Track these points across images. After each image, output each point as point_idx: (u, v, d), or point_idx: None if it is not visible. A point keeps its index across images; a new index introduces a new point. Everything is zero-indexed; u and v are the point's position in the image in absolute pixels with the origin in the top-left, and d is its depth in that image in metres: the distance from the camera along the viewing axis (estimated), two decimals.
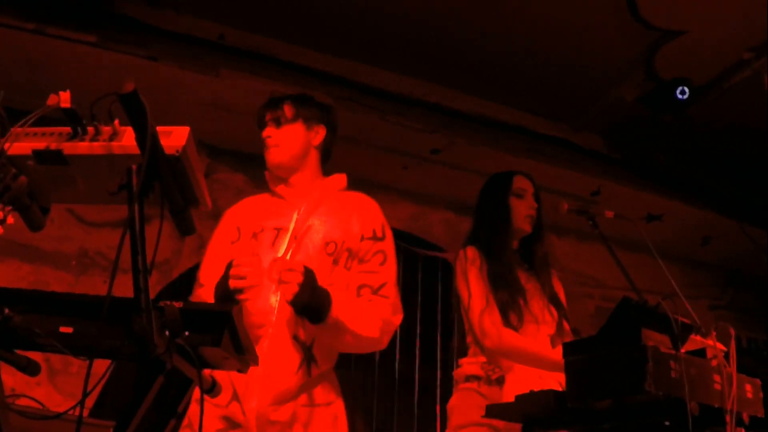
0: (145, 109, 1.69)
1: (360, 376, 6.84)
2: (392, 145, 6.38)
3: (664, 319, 2.73)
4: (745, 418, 2.78)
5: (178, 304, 1.73)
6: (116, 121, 1.83)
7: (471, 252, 3.87)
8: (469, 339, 3.82)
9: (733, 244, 7.73)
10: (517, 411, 3.02)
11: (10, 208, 1.78)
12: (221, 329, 1.77)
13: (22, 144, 1.82)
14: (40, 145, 1.82)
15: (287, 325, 2.95)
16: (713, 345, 2.86)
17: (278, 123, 3.22)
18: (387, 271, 3.16)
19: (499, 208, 3.95)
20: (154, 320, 1.64)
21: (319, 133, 3.32)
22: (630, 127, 6.62)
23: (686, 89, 5.92)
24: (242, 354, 1.86)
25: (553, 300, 3.89)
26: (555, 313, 3.84)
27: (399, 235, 7.06)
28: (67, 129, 1.84)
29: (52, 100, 1.81)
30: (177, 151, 1.78)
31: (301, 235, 3.07)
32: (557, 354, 3.39)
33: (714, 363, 2.79)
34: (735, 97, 5.96)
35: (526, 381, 3.45)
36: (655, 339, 2.63)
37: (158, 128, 1.76)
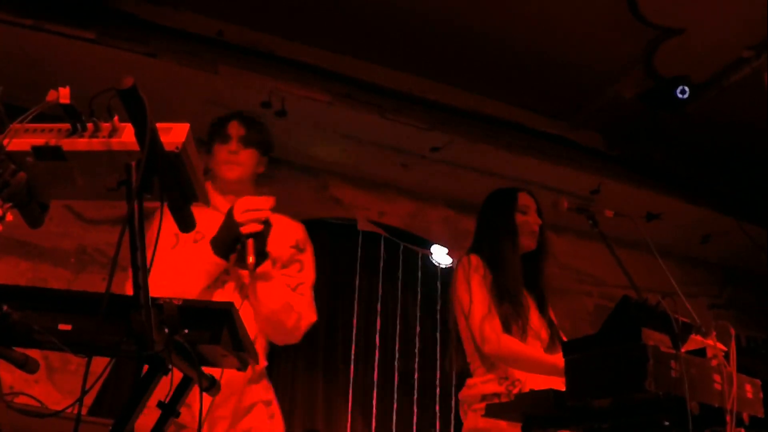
0: (145, 104, 1.68)
1: (360, 375, 6.84)
2: (391, 142, 6.37)
3: (664, 318, 2.73)
4: (745, 418, 2.77)
5: (177, 302, 1.73)
6: (115, 118, 1.82)
7: (475, 260, 3.89)
8: (472, 360, 3.82)
9: (732, 243, 7.73)
10: (517, 410, 3.02)
11: (9, 204, 1.77)
12: (220, 326, 1.77)
13: (21, 140, 1.81)
14: (39, 141, 1.81)
15: None
16: (713, 345, 2.86)
17: (246, 143, 3.39)
18: (304, 276, 3.38)
19: (506, 224, 3.98)
20: (153, 317, 1.64)
21: (263, 164, 3.52)
22: (629, 124, 6.62)
23: (686, 87, 5.92)
24: (241, 351, 1.85)
25: (549, 319, 3.92)
26: (549, 332, 3.87)
27: (398, 233, 7.10)
28: (66, 125, 1.83)
29: (51, 96, 1.80)
30: (177, 148, 1.77)
31: None
32: (556, 358, 3.40)
33: (714, 363, 2.78)
34: (734, 95, 5.95)
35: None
36: (655, 338, 2.63)
37: (158, 125, 1.75)
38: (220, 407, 2.99)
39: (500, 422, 3.42)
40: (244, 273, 3.13)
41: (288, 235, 3.42)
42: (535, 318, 3.84)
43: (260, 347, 3.23)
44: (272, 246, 3.17)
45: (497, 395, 3.63)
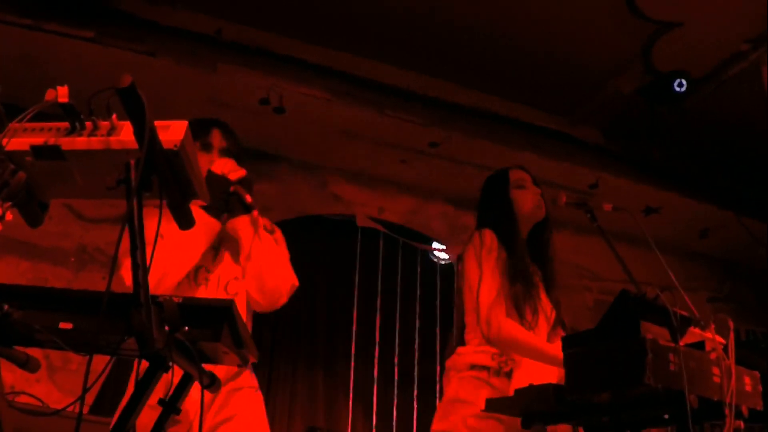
0: (143, 103, 1.68)
1: (360, 370, 6.85)
2: (390, 138, 6.38)
3: (663, 311, 2.73)
4: (744, 410, 2.77)
5: (177, 299, 1.73)
6: (114, 116, 1.82)
7: (489, 237, 3.76)
8: (468, 331, 3.78)
9: (730, 237, 7.74)
10: (517, 404, 3.02)
11: (8, 204, 1.78)
12: (220, 324, 1.77)
13: (20, 139, 1.81)
14: (38, 140, 1.81)
15: None
16: (712, 338, 2.86)
17: (227, 154, 3.29)
18: (281, 248, 3.29)
19: (502, 205, 3.88)
20: (154, 315, 1.64)
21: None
22: (628, 120, 6.62)
23: (684, 81, 5.92)
24: (242, 348, 1.85)
25: (555, 299, 3.89)
26: (555, 312, 3.84)
27: (397, 229, 7.11)
28: (65, 124, 1.83)
29: (49, 95, 1.80)
30: (175, 146, 1.77)
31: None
32: (556, 349, 3.39)
33: (713, 356, 2.78)
34: (733, 88, 5.96)
35: (534, 376, 3.45)
36: (654, 332, 2.63)
37: (156, 122, 1.75)
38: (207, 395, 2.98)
39: (481, 394, 3.43)
40: (241, 225, 3.13)
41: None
42: (544, 297, 3.82)
43: None
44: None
45: (487, 368, 3.62)
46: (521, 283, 3.65)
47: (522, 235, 3.86)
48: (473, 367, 3.63)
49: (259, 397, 3.16)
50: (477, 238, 3.80)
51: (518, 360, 3.57)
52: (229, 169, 3.09)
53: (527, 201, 3.87)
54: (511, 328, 3.56)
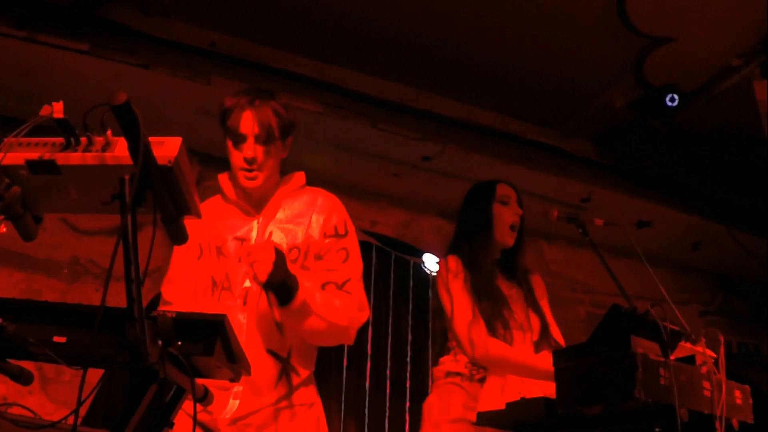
0: (138, 119, 1.70)
1: (352, 381, 6.85)
2: (383, 152, 6.39)
3: (654, 326, 2.75)
4: (735, 424, 2.80)
5: (171, 314, 1.74)
6: (108, 132, 1.83)
7: (453, 262, 3.88)
8: (451, 343, 3.82)
9: (722, 250, 7.76)
10: (508, 418, 3.04)
11: (2, 217, 1.79)
12: (214, 338, 1.78)
13: (16, 154, 1.82)
14: (33, 155, 1.83)
15: (260, 339, 2.93)
16: (702, 352, 2.88)
17: (266, 141, 3.02)
18: (350, 268, 3.08)
19: (482, 216, 3.96)
20: (147, 330, 1.65)
21: (288, 146, 3.17)
22: (620, 133, 6.64)
23: (675, 95, 5.94)
24: (234, 363, 1.87)
25: (535, 307, 3.91)
26: (538, 319, 3.86)
27: (390, 242, 7.12)
28: (60, 139, 1.84)
29: (45, 110, 1.81)
30: (169, 162, 1.78)
31: None
32: (544, 363, 3.41)
33: (703, 370, 2.80)
34: (724, 103, 5.98)
35: (507, 382, 3.49)
36: (644, 346, 2.65)
37: (150, 138, 1.76)
38: (253, 415, 2.90)
39: (453, 399, 3.47)
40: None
41: (325, 220, 3.14)
42: (519, 310, 3.83)
43: (307, 352, 3.11)
44: (309, 240, 3.04)
45: (460, 374, 3.66)
46: (487, 300, 3.73)
47: (493, 250, 3.95)
48: (448, 374, 3.69)
49: (313, 414, 3.06)
50: (442, 265, 3.94)
51: (490, 370, 3.61)
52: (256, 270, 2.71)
53: (504, 220, 3.95)
54: (498, 346, 3.61)
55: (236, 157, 3.03)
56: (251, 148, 2.98)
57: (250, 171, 3.01)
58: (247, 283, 2.96)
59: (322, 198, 3.23)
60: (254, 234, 3.06)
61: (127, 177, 1.74)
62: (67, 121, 1.82)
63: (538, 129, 6.68)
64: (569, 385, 2.73)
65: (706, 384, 2.75)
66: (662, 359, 2.64)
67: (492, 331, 3.64)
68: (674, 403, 2.54)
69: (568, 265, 7.36)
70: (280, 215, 3.11)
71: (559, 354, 2.85)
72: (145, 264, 1.74)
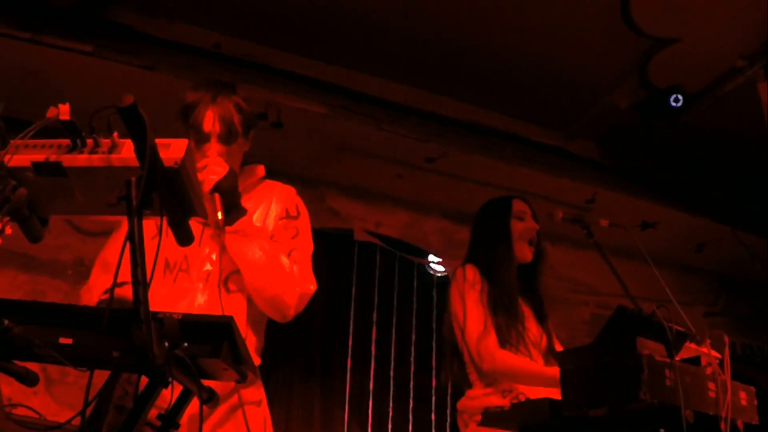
0: (145, 122, 1.70)
1: (356, 383, 6.86)
2: (387, 153, 6.39)
3: (659, 327, 2.75)
4: (740, 425, 2.80)
5: (177, 316, 1.74)
6: (115, 134, 1.83)
7: (471, 272, 3.83)
8: (471, 371, 3.79)
9: (726, 251, 7.75)
10: (513, 419, 3.03)
11: (8, 218, 1.79)
12: (220, 340, 1.78)
13: (22, 156, 1.82)
14: (40, 157, 1.83)
15: None
16: (708, 353, 2.88)
17: (228, 140, 3.00)
18: (297, 242, 3.04)
19: (500, 231, 3.94)
20: (154, 331, 1.65)
21: (250, 139, 3.16)
22: (624, 134, 6.64)
23: (680, 97, 5.94)
24: (240, 364, 1.86)
25: (547, 329, 3.90)
26: (545, 335, 3.86)
27: (394, 243, 7.12)
28: (67, 141, 1.84)
29: (51, 112, 1.81)
30: (176, 164, 1.78)
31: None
32: (554, 370, 3.40)
33: (708, 371, 2.80)
34: (728, 104, 5.98)
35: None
36: (650, 347, 2.65)
37: (157, 140, 1.76)
38: (208, 411, 2.84)
39: None
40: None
41: (279, 205, 3.13)
42: (533, 327, 3.84)
43: (251, 344, 2.95)
44: (257, 219, 3.02)
45: (501, 408, 3.61)
46: (503, 313, 3.70)
47: (512, 264, 3.89)
48: (487, 410, 3.60)
49: (262, 413, 2.99)
50: (460, 274, 3.86)
51: (527, 392, 3.58)
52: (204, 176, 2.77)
53: (521, 236, 3.93)
54: (505, 356, 3.59)
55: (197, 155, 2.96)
56: (214, 149, 2.96)
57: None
58: (208, 266, 2.93)
59: (279, 189, 3.21)
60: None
61: (133, 179, 1.74)
62: (73, 123, 1.82)
63: (543, 130, 6.67)
64: (575, 386, 2.73)
65: (712, 385, 2.75)
66: (668, 360, 2.64)
67: (503, 345, 3.63)
68: (680, 404, 2.54)
69: (572, 266, 7.35)
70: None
71: (564, 355, 2.85)
72: (152, 267, 1.74)
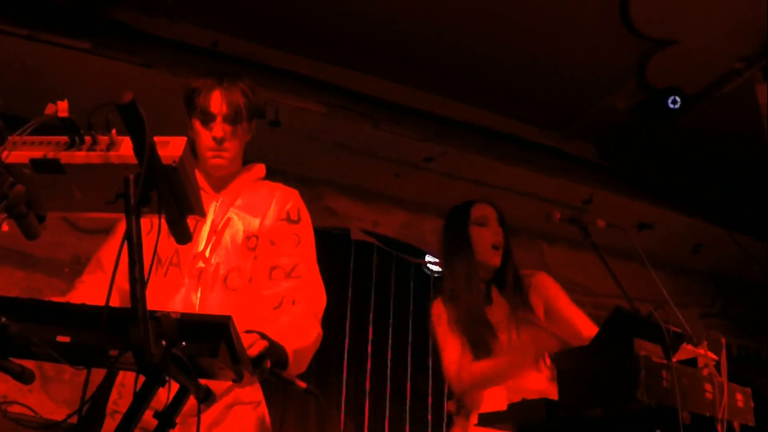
0: (143, 119, 1.70)
1: (352, 383, 6.84)
2: (385, 152, 6.39)
3: (656, 328, 2.75)
4: (736, 427, 2.80)
5: (175, 315, 1.74)
6: (113, 131, 1.83)
7: (436, 308, 3.87)
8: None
9: (723, 252, 7.75)
10: (509, 419, 3.03)
11: (5, 215, 1.79)
12: (218, 340, 1.78)
13: (20, 152, 1.82)
14: (38, 153, 1.83)
15: None
16: (704, 354, 2.88)
17: (234, 121, 3.03)
18: (301, 253, 3.06)
19: (459, 241, 3.89)
20: (151, 330, 1.65)
21: (252, 129, 3.18)
22: (622, 135, 6.64)
23: (677, 98, 5.94)
24: (238, 364, 1.86)
25: (523, 322, 3.84)
26: (524, 336, 3.79)
27: (391, 243, 7.11)
28: (65, 138, 1.84)
29: (49, 109, 1.81)
30: (174, 162, 1.78)
31: (221, 228, 3.01)
32: (508, 359, 3.42)
33: (705, 372, 2.80)
34: (726, 106, 5.98)
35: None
36: (647, 348, 2.65)
37: (155, 138, 1.76)
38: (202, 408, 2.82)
39: None
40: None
41: (278, 206, 3.13)
42: (504, 329, 3.76)
43: None
44: (267, 228, 3.03)
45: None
46: (469, 327, 3.69)
47: (479, 272, 3.83)
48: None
49: (259, 414, 3.01)
50: (432, 310, 3.91)
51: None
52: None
53: (484, 242, 3.85)
54: (471, 369, 3.58)
55: (205, 137, 3.02)
56: (220, 128, 2.99)
57: (217, 150, 3.02)
58: (201, 264, 2.94)
59: (280, 191, 3.21)
60: (211, 216, 3.02)
61: (131, 177, 1.74)
62: (71, 120, 1.82)
63: (540, 131, 6.67)
64: (571, 386, 2.73)
65: (708, 387, 2.76)
66: (665, 362, 2.64)
67: (476, 357, 3.63)
68: (676, 405, 2.54)
69: (569, 267, 7.34)
70: (239, 202, 3.09)
71: (561, 356, 2.85)
72: (150, 265, 1.74)
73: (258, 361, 2.46)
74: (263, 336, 2.55)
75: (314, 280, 3.04)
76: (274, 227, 3.07)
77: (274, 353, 2.60)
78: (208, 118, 3.00)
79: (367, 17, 5.42)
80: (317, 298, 3.01)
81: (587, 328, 3.80)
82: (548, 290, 3.97)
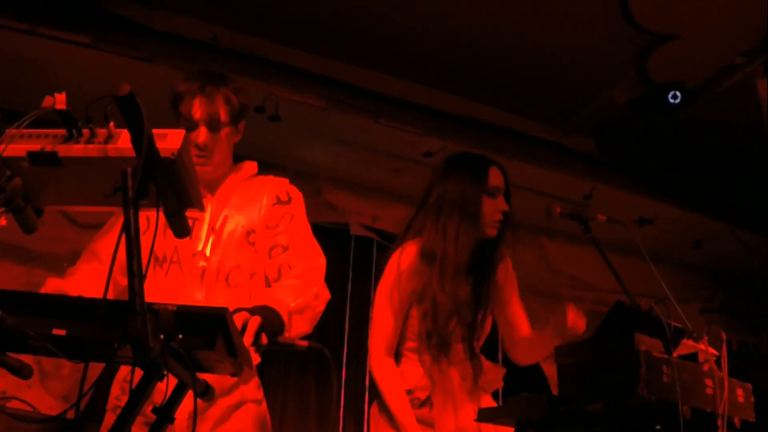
0: (141, 111, 1.69)
1: (351, 379, 6.85)
2: (385, 147, 6.38)
3: (657, 323, 2.74)
4: (737, 422, 2.79)
5: (172, 307, 1.73)
6: (111, 124, 1.82)
7: (408, 255, 3.63)
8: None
9: (724, 247, 7.75)
10: (510, 414, 3.02)
11: (3, 209, 1.78)
12: (215, 332, 1.77)
13: (17, 145, 1.81)
14: (35, 146, 1.82)
15: None
16: (705, 349, 2.87)
17: (215, 127, 3.03)
18: (295, 226, 3.11)
19: (469, 207, 3.57)
20: (149, 323, 1.64)
21: (240, 130, 3.18)
22: (622, 130, 6.63)
23: (677, 92, 5.93)
24: (235, 357, 1.85)
25: (493, 309, 3.66)
26: (488, 322, 3.63)
27: (390, 238, 7.10)
28: (62, 131, 1.83)
29: (47, 101, 1.80)
30: (173, 154, 1.77)
31: (219, 227, 3.03)
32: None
33: (706, 367, 2.80)
34: (726, 100, 5.97)
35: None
36: (647, 343, 2.64)
37: (153, 131, 1.75)
38: (208, 409, 2.86)
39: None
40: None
41: (269, 194, 3.16)
42: (469, 315, 3.49)
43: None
44: (264, 221, 3.07)
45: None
46: (432, 306, 3.42)
47: (471, 243, 3.53)
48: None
49: (261, 412, 3.02)
50: (396, 256, 3.70)
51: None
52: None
53: (488, 213, 3.58)
54: (383, 370, 3.41)
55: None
56: (202, 135, 3.00)
57: (201, 157, 3.02)
58: (203, 263, 2.97)
59: (270, 181, 3.25)
60: (208, 215, 3.05)
61: (129, 169, 1.73)
62: (69, 113, 1.81)
63: (540, 125, 6.66)
64: (572, 381, 2.72)
65: (709, 382, 2.75)
66: (665, 357, 2.63)
67: (428, 342, 3.40)
68: (677, 400, 2.53)
69: (569, 261, 7.34)
70: (234, 200, 3.13)
71: (562, 350, 2.84)
72: (148, 259, 1.73)
73: (257, 341, 2.48)
74: (253, 311, 2.55)
75: (309, 243, 3.11)
76: (267, 213, 3.12)
77: (268, 324, 2.60)
78: (190, 125, 3.02)
79: (366, 11, 5.41)
80: (313, 257, 3.06)
81: (526, 328, 3.71)
82: (512, 276, 3.77)
